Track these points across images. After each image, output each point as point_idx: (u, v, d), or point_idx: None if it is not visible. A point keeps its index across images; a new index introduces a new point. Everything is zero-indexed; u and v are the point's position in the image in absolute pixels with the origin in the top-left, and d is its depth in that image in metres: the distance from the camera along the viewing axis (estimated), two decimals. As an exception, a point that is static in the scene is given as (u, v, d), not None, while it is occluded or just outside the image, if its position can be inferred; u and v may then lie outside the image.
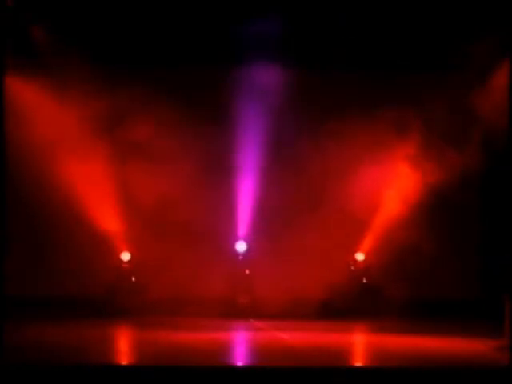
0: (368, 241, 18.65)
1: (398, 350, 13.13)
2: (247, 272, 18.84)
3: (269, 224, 18.65)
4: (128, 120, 17.61)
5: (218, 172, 18.58)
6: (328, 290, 17.74)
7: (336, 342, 14.18)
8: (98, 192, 17.69)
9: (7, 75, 12.17)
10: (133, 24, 16.87)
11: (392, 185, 18.28)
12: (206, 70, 18.21)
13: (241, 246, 19.00)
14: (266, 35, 16.70)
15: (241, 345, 14.80)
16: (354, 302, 18.20)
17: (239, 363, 12.39)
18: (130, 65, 18.15)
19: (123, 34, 17.20)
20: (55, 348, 12.70)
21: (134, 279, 18.55)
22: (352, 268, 18.82)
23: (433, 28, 16.47)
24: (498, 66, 15.99)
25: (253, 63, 17.43)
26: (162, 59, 18.09)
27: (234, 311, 18.23)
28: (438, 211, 18.02)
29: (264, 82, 17.68)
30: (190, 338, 14.13)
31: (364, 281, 18.68)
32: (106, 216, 18.05)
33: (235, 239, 18.95)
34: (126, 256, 18.70)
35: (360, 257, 18.82)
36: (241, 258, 18.97)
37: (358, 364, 12.47)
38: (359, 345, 15.02)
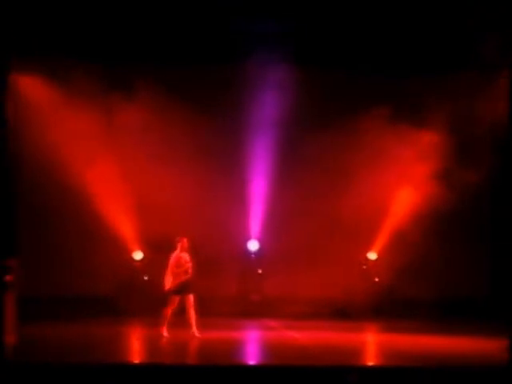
0: (380, 241, 18.65)
1: (407, 349, 13.14)
2: (259, 271, 18.88)
3: (281, 223, 18.63)
4: (137, 118, 17.63)
5: (230, 171, 18.60)
6: (340, 290, 17.77)
7: (347, 342, 14.21)
8: (111, 191, 17.70)
9: (13, 74, 12.25)
10: (136, 25, 16.88)
11: (406, 186, 18.26)
12: (218, 69, 18.22)
13: (253, 245, 19.02)
14: (279, 34, 16.74)
15: (252, 344, 14.83)
16: (366, 302, 18.22)
17: (251, 362, 12.42)
18: (131, 65, 18.18)
19: (127, 34, 17.21)
20: (62, 347, 12.80)
21: (146, 278, 18.57)
22: (364, 267, 18.84)
23: (433, 29, 16.44)
24: (498, 66, 15.90)
25: (265, 62, 17.41)
26: (170, 59, 18.11)
27: (245, 310, 18.27)
28: (449, 213, 17.91)
29: (277, 81, 17.67)
30: (202, 336, 14.14)
31: (376, 280, 18.70)
32: (119, 215, 18.07)
33: (248, 238, 18.99)
34: (138, 255, 18.73)
35: (372, 256, 18.83)
36: (253, 256, 19.01)
37: (370, 363, 12.47)
38: (370, 344, 15.02)
